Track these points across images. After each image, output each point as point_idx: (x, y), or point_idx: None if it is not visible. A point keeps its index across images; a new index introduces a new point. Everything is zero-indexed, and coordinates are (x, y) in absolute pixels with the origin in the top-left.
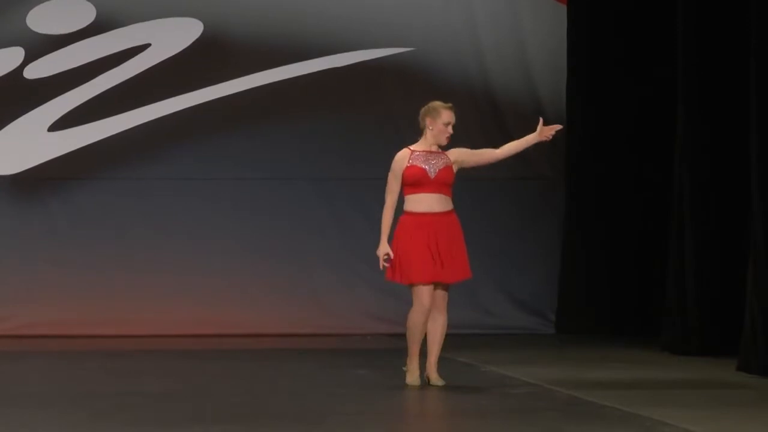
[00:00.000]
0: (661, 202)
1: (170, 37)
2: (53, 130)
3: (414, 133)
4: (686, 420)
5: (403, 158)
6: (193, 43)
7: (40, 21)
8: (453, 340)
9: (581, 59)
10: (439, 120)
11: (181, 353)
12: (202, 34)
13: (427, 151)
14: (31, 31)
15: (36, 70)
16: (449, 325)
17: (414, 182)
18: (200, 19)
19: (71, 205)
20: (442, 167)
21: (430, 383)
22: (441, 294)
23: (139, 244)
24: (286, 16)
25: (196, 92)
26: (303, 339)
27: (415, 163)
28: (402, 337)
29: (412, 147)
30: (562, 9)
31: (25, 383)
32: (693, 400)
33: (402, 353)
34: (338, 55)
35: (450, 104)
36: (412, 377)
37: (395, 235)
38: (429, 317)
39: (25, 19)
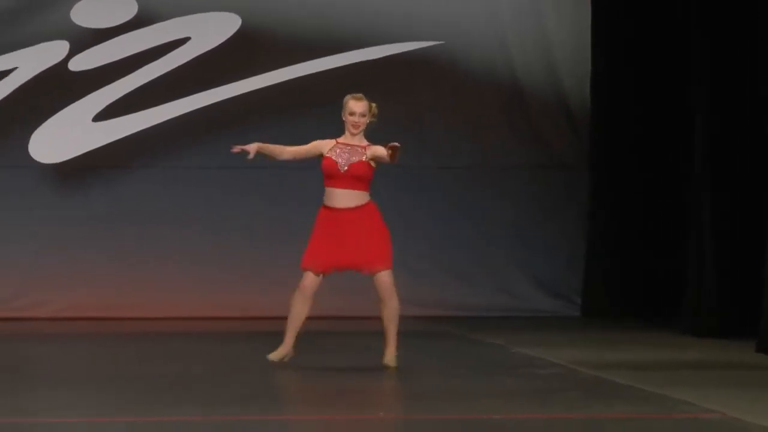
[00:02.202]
0: (682, 189)
1: (209, 31)
2: (97, 121)
3: (441, 125)
4: (706, 399)
5: (325, 144)
6: (232, 36)
7: (84, 15)
8: (481, 323)
9: (604, 52)
10: (346, 110)
11: (212, 335)
12: (240, 27)
13: (348, 144)
14: (76, 25)
15: (80, 63)
16: (473, 308)
17: (326, 174)
18: (238, 14)
19: (113, 192)
20: (355, 162)
21: (383, 363)
22: (381, 284)
23: (177, 231)
24: (320, 10)
25: (234, 84)
26: (322, 321)
27: (330, 155)
28: (424, 320)
29: (339, 139)
30: (586, 2)
31: (65, 365)
32: (713, 380)
33: (423, 336)
34: (369, 48)
35: (359, 95)
36: (276, 353)
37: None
38: (380, 304)
39: (69, 14)
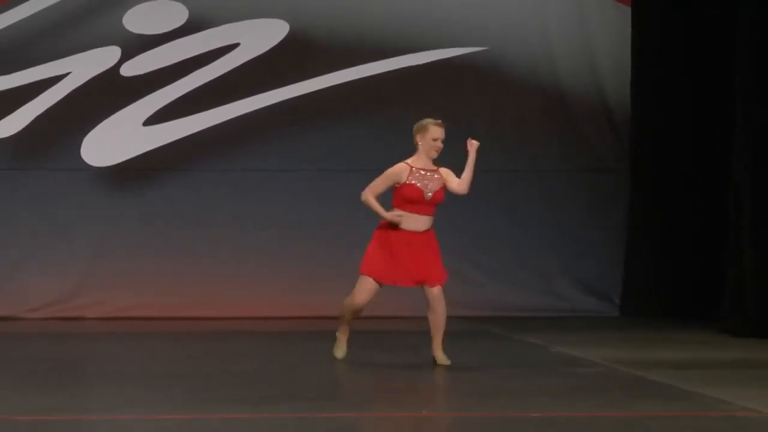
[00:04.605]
0: (721, 191)
1: (258, 37)
2: (148, 125)
3: (486, 129)
4: (743, 398)
5: (402, 172)
6: (280, 42)
7: (136, 22)
8: (522, 323)
9: (645, 57)
10: (428, 136)
11: (269, 334)
12: (288, 33)
13: (424, 169)
14: (127, 31)
15: (132, 68)
16: (515, 308)
17: (410, 200)
18: (286, 20)
19: (164, 194)
20: (437, 189)
21: (436, 363)
22: (431, 294)
23: (228, 231)
24: (367, 16)
25: (282, 89)
26: (375, 321)
27: (413, 182)
28: (468, 320)
29: (410, 162)
30: (627, 10)
31: (124, 363)
32: (750, 379)
33: (467, 336)
34: (416, 53)
35: (439, 120)
36: (338, 350)
37: (375, 232)
38: (428, 310)
39: (121, 20)
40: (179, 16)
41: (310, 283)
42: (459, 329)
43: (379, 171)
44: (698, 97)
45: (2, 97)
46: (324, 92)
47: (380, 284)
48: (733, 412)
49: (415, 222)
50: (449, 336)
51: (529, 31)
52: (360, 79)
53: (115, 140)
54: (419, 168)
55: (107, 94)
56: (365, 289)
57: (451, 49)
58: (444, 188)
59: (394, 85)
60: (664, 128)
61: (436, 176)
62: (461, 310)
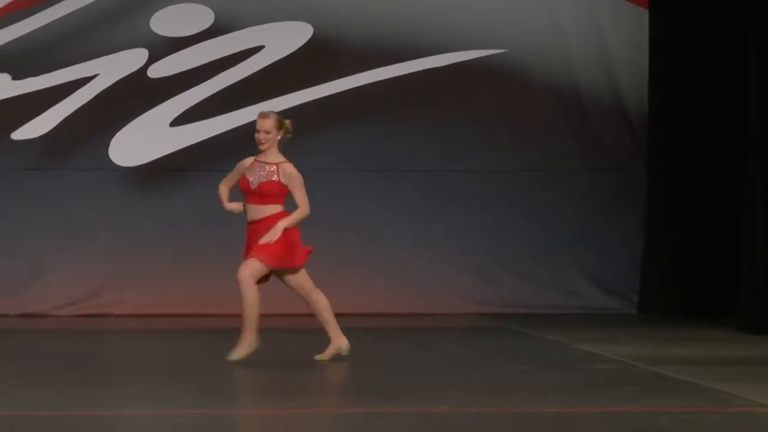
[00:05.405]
0: (736, 191)
1: (283, 39)
2: (174, 126)
3: (505, 130)
4: (760, 394)
5: (245, 163)
6: (304, 45)
7: (163, 24)
8: (544, 320)
9: (662, 60)
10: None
11: (300, 331)
12: (312, 36)
13: (257, 161)
14: (155, 33)
15: (159, 70)
16: (535, 306)
17: (241, 191)
18: (310, 23)
19: (190, 194)
20: (264, 180)
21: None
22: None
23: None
24: (388, 20)
25: (305, 91)
26: (402, 318)
27: (246, 174)
28: (487, 317)
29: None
30: (644, 12)
31: (147, 360)
32: (766, 375)
33: (486, 333)
34: (435, 56)
35: (262, 111)
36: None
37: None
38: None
39: (148, 23)
40: (205, 18)
41: (338, 280)
42: (478, 326)
43: (398, 171)
44: (715, 96)
45: (31, 99)
46: (346, 94)
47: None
48: (749, 408)
49: (249, 211)
50: (468, 332)
51: (545, 33)
52: (381, 81)
53: (142, 141)
54: (254, 160)
55: (135, 96)
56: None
57: (470, 51)
58: (277, 183)
59: (414, 87)
60: (680, 128)
61: (266, 169)
62: (481, 307)
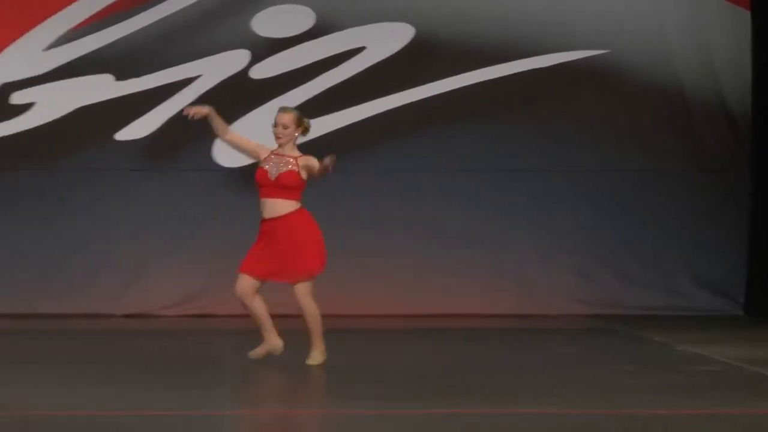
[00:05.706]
0: None
1: (384, 40)
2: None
3: (607, 130)
4: None
5: (264, 151)
6: (405, 46)
7: (265, 25)
8: (648, 321)
9: (765, 59)
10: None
11: (390, 332)
12: (414, 37)
13: (275, 153)
14: (256, 34)
15: (261, 71)
16: (639, 307)
17: (257, 183)
18: (412, 24)
19: None
20: (284, 171)
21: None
22: (296, 290)
23: (351, 230)
24: (490, 20)
25: (407, 92)
26: (506, 319)
27: (262, 165)
28: (592, 318)
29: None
30: (746, 13)
31: (247, 359)
32: None
33: (591, 334)
34: (538, 56)
35: (283, 106)
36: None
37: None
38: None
39: (250, 24)
40: (307, 19)
41: (429, 281)
42: (583, 327)
43: (501, 171)
44: None
45: (134, 99)
46: (448, 95)
47: (257, 278)
48: None
49: (264, 207)
50: (573, 333)
51: (648, 34)
52: (483, 81)
53: None
54: (272, 153)
55: (237, 97)
56: (237, 284)
57: (573, 52)
58: (294, 174)
59: (517, 87)
60: None
61: (286, 160)
62: (586, 308)
